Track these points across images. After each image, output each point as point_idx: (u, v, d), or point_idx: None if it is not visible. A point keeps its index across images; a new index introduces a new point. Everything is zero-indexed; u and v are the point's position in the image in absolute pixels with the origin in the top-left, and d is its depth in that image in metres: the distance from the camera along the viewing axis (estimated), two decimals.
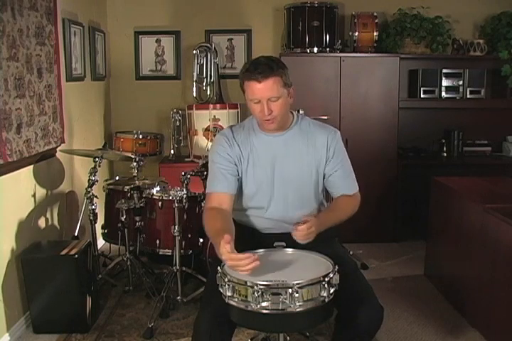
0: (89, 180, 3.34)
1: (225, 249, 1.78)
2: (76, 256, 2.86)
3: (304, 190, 2.23)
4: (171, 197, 3.13)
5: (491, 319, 2.77)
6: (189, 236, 3.24)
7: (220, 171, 2.19)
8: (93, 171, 3.35)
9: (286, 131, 2.21)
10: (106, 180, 3.77)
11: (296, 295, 1.69)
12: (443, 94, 4.60)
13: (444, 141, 4.65)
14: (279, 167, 2.20)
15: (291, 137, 2.21)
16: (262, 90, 2.04)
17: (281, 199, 2.20)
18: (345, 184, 2.26)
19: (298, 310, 1.71)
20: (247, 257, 1.77)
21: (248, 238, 2.23)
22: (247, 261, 1.76)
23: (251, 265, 1.76)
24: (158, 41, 4.76)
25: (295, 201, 2.22)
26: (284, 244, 2.04)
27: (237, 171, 2.21)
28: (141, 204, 3.34)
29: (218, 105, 4.42)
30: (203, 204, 3.24)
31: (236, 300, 1.76)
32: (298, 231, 1.94)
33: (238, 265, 1.77)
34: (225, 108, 4.40)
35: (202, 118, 4.37)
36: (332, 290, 1.77)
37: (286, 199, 2.21)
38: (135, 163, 3.52)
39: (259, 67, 2.03)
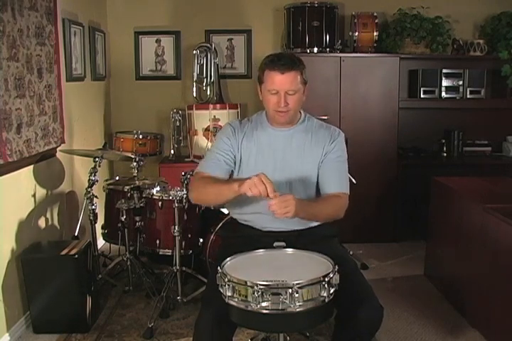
0: (89, 180, 3.34)
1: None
2: (76, 256, 2.86)
3: (306, 186, 2.24)
4: (171, 197, 3.13)
5: (491, 319, 2.77)
6: (189, 236, 3.24)
7: (217, 157, 2.25)
8: (93, 171, 3.35)
9: (293, 127, 2.26)
10: (106, 180, 3.77)
11: (296, 295, 1.69)
12: (443, 94, 4.60)
13: (444, 141, 4.65)
14: (282, 160, 2.23)
15: (296, 133, 2.26)
16: (283, 82, 2.10)
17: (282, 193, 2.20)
18: (337, 181, 2.23)
19: (298, 310, 1.71)
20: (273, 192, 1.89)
21: (248, 238, 2.23)
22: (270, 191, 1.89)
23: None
24: (158, 41, 4.76)
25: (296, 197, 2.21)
26: (284, 244, 2.05)
27: (234, 163, 2.26)
28: (141, 204, 3.34)
29: (218, 105, 4.42)
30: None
31: (236, 300, 1.76)
32: (273, 203, 1.91)
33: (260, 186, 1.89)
34: (225, 108, 4.40)
35: (202, 119, 4.37)
36: (332, 290, 1.77)
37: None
38: (135, 163, 3.52)
39: (283, 60, 2.11)
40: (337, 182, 2.23)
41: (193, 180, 2.31)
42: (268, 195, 1.90)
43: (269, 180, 1.91)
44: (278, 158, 2.24)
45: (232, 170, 2.29)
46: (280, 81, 2.10)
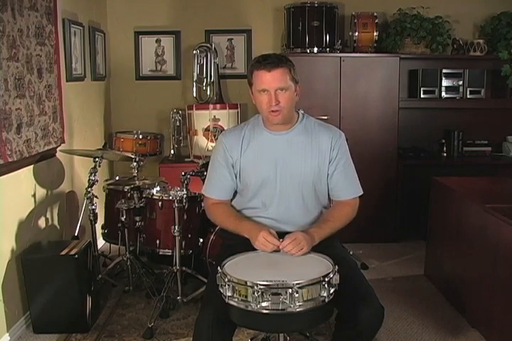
0: (89, 180, 3.34)
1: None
2: (76, 256, 2.86)
3: (307, 189, 2.22)
4: (171, 197, 3.13)
5: (491, 319, 2.77)
6: (189, 236, 3.24)
7: (219, 177, 2.26)
8: (93, 171, 3.35)
9: (291, 130, 2.22)
10: (106, 180, 3.77)
11: (296, 295, 1.69)
12: (443, 94, 4.60)
13: (444, 141, 4.65)
14: (282, 165, 2.20)
15: (295, 136, 2.22)
16: (271, 79, 2.08)
17: (284, 197, 2.20)
18: (346, 187, 2.25)
19: (298, 310, 1.71)
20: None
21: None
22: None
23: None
24: (158, 41, 4.76)
25: (297, 200, 2.21)
26: None
27: (237, 176, 2.25)
28: (141, 204, 3.34)
29: (218, 105, 4.42)
30: (202, 205, 3.25)
31: (236, 300, 1.76)
32: (286, 249, 1.99)
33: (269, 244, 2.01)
34: (225, 108, 4.40)
35: (202, 119, 4.37)
36: (332, 290, 1.77)
37: (288, 198, 2.21)
38: (135, 163, 3.52)
39: (269, 59, 2.10)
40: (347, 187, 2.25)
41: (206, 205, 2.35)
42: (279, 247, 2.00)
43: (271, 235, 2.02)
44: (279, 164, 2.20)
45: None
46: (268, 79, 2.08)
